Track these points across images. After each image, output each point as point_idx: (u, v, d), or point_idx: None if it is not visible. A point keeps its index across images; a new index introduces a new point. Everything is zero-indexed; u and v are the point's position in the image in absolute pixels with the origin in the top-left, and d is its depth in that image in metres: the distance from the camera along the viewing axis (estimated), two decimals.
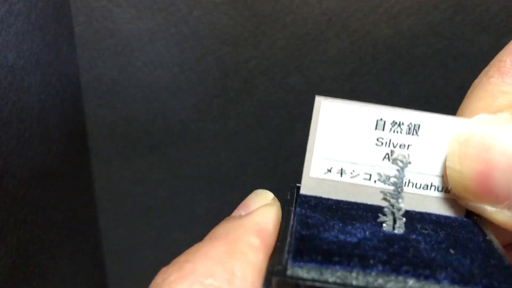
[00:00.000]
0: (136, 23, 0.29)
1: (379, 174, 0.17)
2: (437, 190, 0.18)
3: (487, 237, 0.16)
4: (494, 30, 0.29)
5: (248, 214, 0.15)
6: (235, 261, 0.13)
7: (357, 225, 0.16)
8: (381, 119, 0.17)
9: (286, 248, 0.14)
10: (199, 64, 0.30)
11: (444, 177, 0.17)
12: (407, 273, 0.13)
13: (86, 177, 0.32)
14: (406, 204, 0.18)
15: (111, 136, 0.32)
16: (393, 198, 0.16)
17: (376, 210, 0.17)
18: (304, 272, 0.13)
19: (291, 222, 0.16)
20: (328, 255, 0.14)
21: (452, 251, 0.15)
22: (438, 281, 0.13)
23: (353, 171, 0.18)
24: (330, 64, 0.30)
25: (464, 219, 0.18)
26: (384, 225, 0.16)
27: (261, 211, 0.16)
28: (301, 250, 0.14)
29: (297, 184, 0.18)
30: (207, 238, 0.15)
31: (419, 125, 0.17)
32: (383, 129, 0.17)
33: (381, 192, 0.17)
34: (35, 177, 0.25)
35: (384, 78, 0.30)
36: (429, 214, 0.18)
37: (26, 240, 0.24)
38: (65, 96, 0.29)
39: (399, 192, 0.16)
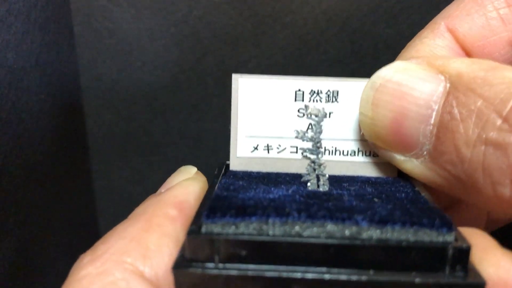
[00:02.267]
0: (136, 23, 0.29)
1: (296, 132, 0.16)
2: (365, 155, 0.18)
3: (416, 188, 0.16)
4: None
5: (167, 189, 0.15)
6: (150, 235, 0.13)
7: (282, 186, 0.16)
8: (300, 89, 0.17)
9: (203, 210, 0.13)
10: (199, 64, 0.30)
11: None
12: (324, 218, 0.13)
13: (86, 177, 0.32)
14: (336, 171, 0.18)
15: (111, 136, 0.32)
16: (312, 154, 0.16)
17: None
18: (218, 227, 0.13)
19: (214, 191, 0.15)
20: (243, 209, 0.13)
21: (376, 200, 0.15)
22: (356, 223, 0.13)
23: (279, 145, 0.18)
24: (330, 64, 0.30)
25: (396, 178, 0.18)
26: (308, 184, 0.16)
27: (181, 185, 0.15)
28: (215, 207, 0.13)
29: (227, 162, 0.18)
30: (127, 218, 0.14)
31: (337, 92, 0.17)
32: (303, 100, 0.17)
33: (300, 149, 0.16)
34: (35, 177, 0.25)
35: None
36: (360, 176, 0.18)
37: (26, 240, 0.24)
38: (64, 96, 0.29)
39: (318, 148, 0.16)
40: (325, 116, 0.17)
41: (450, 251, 0.12)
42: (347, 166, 0.18)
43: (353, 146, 0.17)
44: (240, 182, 0.16)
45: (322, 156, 0.16)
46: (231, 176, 0.17)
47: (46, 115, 0.26)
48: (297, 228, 0.13)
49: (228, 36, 0.29)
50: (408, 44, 0.18)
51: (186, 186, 0.15)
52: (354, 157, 0.18)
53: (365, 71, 0.30)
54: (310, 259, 0.12)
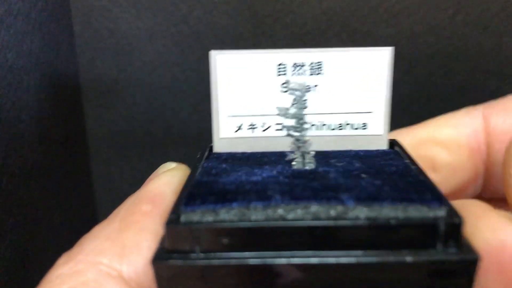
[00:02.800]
0: (136, 23, 0.29)
1: (278, 108, 0.15)
2: (353, 128, 0.17)
3: (406, 161, 0.15)
4: (494, 30, 0.29)
5: (142, 186, 0.15)
6: (126, 233, 0.13)
7: (266, 167, 0.15)
8: (282, 63, 0.16)
9: (183, 198, 0.13)
10: (199, 64, 0.30)
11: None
12: (308, 199, 0.12)
13: (86, 177, 0.32)
14: (324, 146, 0.17)
15: (111, 136, 0.32)
16: (296, 131, 0.15)
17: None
18: (198, 215, 0.12)
19: (196, 176, 0.14)
20: (224, 195, 0.12)
21: (363, 176, 0.14)
22: (342, 202, 0.12)
23: (264, 123, 0.17)
24: None
25: (386, 150, 0.17)
26: (294, 163, 0.15)
27: (156, 179, 0.15)
28: (195, 194, 0.13)
29: (210, 145, 0.17)
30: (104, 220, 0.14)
31: (321, 63, 0.16)
32: (286, 74, 0.16)
33: (284, 127, 0.15)
34: (35, 177, 0.25)
35: None
36: (348, 151, 0.17)
37: (26, 240, 0.24)
38: (64, 96, 0.29)
39: (301, 124, 0.15)
40: (308, 90, 0.16)
41: (442, 227, 0.11)
42: (335, 140, 0.17)
43: (341, 119, 0.17)
44: (223, 165, 0.15)
45: (306, 133, 0.15)
46: (214, 159, 0.16)
47: (46, 115, 0.26)
48: (280, 211, 0.12)
49: (228, 36, 0.29)
50: (444, 115, 0.19)
51: (160, 179, 0.15)
52: (342, 130, 0.17)
53: None
54: (296, 243, 0.12)
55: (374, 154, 0.16)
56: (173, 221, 0.12)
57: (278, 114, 0.15)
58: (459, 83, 0.30)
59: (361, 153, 0.17)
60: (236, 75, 0.16)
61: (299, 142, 0.15)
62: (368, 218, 0.12)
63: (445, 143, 0.18)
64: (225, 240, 0.12)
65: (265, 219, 0.12)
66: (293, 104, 0.15)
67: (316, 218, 0.12)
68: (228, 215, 0.12)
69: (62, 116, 0.28)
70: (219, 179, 0.14)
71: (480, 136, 0.18)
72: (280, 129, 0.17)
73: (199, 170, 0.15)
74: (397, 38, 0.29)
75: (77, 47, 0.30)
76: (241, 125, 0.17)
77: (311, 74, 0.16)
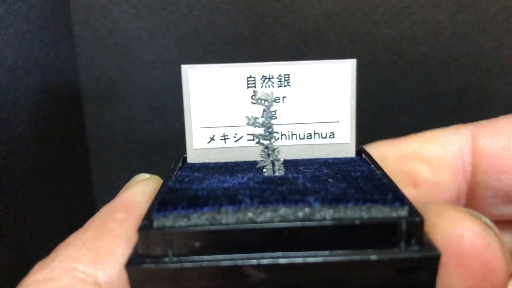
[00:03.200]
0: (135, 23, 0.29)
1: (247, 118, 0.16)
2: (321, 137, 0.18)
3: (371, 166, 0.16)
4: (494, 30, 0.29)
5: (116, 196, 0.15)
6: (101, 240, 0.13)
7: (238, 175, 0.16)
8: (251, 76, 0.17)
9: (155, 204, 0.13)
10: (199, 64, 0.30)
11: None
12: (277, 202, 0.12)
13: (86, 177, 0.32)
14: (294, 155, 0.17)
15: (111, 136, 0.32)
16: (265, 139, 0.16)
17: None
18: (170, 220, 0.12)
19: (168, 184, 0.15)
20: (195, 201, 0.13)
21: (330, 180, 0.14)
22: (309, 204, 0.12)
23: (236, 134, 0.17)
24: None
25: (354, 158, 0.18)
26: (264, 170, 0.16)
27: (130, 189, 0.15)
28: (167, 201, 0.13)
29: (184, 155, 0.18)
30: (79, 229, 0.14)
31: (288, 75, 0.17)
32: (255, 86, 0.17)
33: (252, 135, 0.16)
34: (34, 177, 0.25)
35: (384, 78, 0.30)
36: (317, 158, 0.18)
37: (26, 240, 0.24)
38: (64, 96, 0.29)
39: (270, 133, 0.15)
40: (275, 100, 0.17)
41: (404, 226, 0.12)
42: (304, 149, 0.18)
43: (309, 129, 0.17)
44: (196, 174, 0.16)
45: (275, 141, 0.16)
46: (188, 169, 0.17)
47: (46, 115, 0.26)
48: (250, 214, 0.12)
49: (228, 36, 0.29)
50: (433, 130, 0.19)
51: (133, 188, 0.15)
52: (310, 139, 0.18)
53: (365, 71, 0.30)
54: (265, 245, 0.12)
55: (341, 161, 0.17)
56: (146, 227, 0.12)
57: (247, 124, 0.16)
58: (459, 83, 0.30)
59: (330, 160, 0.17)
60: (208, 88, 0.17)
61: (269, 150, 0.16)
62: (333, 219, 0.12)
63: (429, 160, 0.18)
64: (197, 244, 0.12)
65: (235, 222, 0.12)
66: (262, 114, 0.16)
67: (285, 220, 0.12)
68: (200, 219, 0.12)
69: (62, 116, 0.28)
70: (192, 186, 0.14)
71: (467, 156, 0.18)
72: (252, 139, 0.17)
73: (173, 178, 0.15)
74: (397, 38, 0.29)
75: (77, 47, 0.30)
76: (214, 136, 0.17)
77: (280, 86, 0.17)
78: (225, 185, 0.14)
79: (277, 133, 0.17)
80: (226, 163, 0.17)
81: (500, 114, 0.29)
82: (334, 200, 0.13)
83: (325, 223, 0.12)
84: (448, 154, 0.18)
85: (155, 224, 0.12)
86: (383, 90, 0.30)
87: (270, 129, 0.15)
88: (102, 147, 0.32)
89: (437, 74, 0.30)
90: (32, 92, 0.24)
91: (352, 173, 0.15)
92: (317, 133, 0.17)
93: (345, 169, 0.16)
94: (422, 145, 0.18)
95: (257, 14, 0.28)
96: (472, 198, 0.18)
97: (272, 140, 0.16)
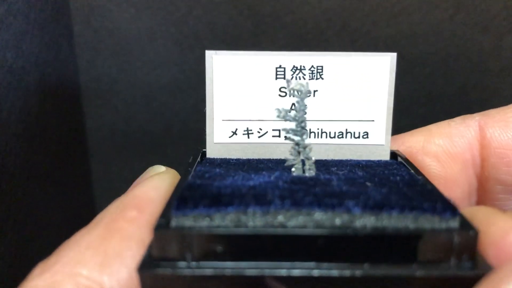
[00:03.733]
0: (135, 23, 0.29)
1: (278, 110, 0.14)
2: (354, 136, 0.16)
3: (411, 171, 0.15)
4: (494, 30, 0.29)
5: (128, 190, 0.14)
6: (108, 241, 0.12)
7: (264, 173, 0.14)
8: (281, 66, 0.16)
9: (173, 201, 0.12)
10: (199, 64, 0.30)
11: None
12: (311, 205, 0.11)
13: (85, 177, 0.32)
14: (322, 155, 0.16)
15: (110, 136, 0.32)
16: (296, 135, 0.14)
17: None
18: (190, 220, 0.11)
19: (188, 179, 0.14)
20: (219, 199, 0.11)
21: (368, 184, 0.13)
22: (348, 209, 0.11)
23: (260, 129, 0.16)
24: None
25: (389, 161, 0.16)
26: (293, 169, 0.14)
27: (143, 183, 0.14)
28: (187, 198, 0.12)
29: (203, 149, 0.16)
30: (87, 225, 0.13)
31: (322, 67, 0.16)
32: (284, 77, 0.16)
33: (283, 130, 0.14)
34: (34, 177, 0.25)
35: None
36: (348, 160, 0.16)
37: (26, 240, 0.24)
38: (64, 96, 0.29)
39: (302, 128, 0.14)
40: (309, 92, 0.15)
41: (456, 239, 0.10)
42: (334, 149, 0.16)
43: (341, 127, 0.16)
44: (217, 170, 0.14)
45: (307, 138, 0.14)
46: (207, 164, 0.15)
47: (46, 115, 0.26)
48: (280, 217, 0.11)
49: (228, 36, 0.29)
50: (438, 123, 0.18)
51: (147, 183, 0.14)
52: (341, 139, 0.16)
53: None
54: (297, 253, 0.11)
55: (376, 164, 0.16)
56: (162, 226, 0.11)
57: (277, 116, 0.14)
58: (459, 83, 0.30)
59: (363, 162, 0.16)
60: (233, 77, 0.16)
61: (299, 147, 0.14)
62: (375, 228, 0.11)
63: (436, 154, 0.17)
64: (219, 248, 0.11)
65: (263, 226, 0.11)
66: (293, 106, 0.15)
67: (320, 226, 0.11)
68: (223, 220, 0.11)
69: (62, 116, 0.28)
70: (213, 182, 0.13)
71: (475, 149, 0.17)
72: (278, 135, 0.16)
73: (191, 173, 0.14)
74: (397, 38, 0.29)
75: (77, 47, 0.30)
76: (236, 130, 0.16)
77: (311, 78, 0.16)
78: (251, 183, 0.13)
79: (307, 130, 0.16)
80: (248, 160, 0.16)
81: None
82: (376, 207, 0.11)
83: (366, 232, 0.11)
84: (456, 147, 0.17)
85: (173, 223, 0.11)
86: None
87: (303, 124, 0.14)
88: (102, 147, 0.32)
89: (437, 74, 0.30)
90: (32, 92, 0.24)
91: (391, 177, 0.14)
92: (350, 132, 0.16)
93: (382, 172, 0.15)
94: (427, 139, 0.17)
95: (257, 14, 0.28)
96: (482, 193, 0.17)
97: (304, 136, 0.14)
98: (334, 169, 0.15)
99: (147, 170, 0.15)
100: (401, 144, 0.17)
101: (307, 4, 0.28)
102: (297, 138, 0.14)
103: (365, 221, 0.11)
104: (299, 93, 0.14)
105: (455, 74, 0.30)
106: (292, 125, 0.14)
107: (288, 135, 0.14)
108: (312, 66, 0.16)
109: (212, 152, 0.16)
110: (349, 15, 0.28)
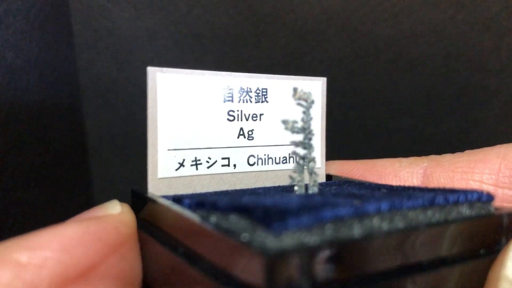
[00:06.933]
0: (135, 22, 0.29)
1: (283, 121, 0.13)
2: (295, 161, 0.15)
3: (373, 183, 0.15)
4: (495, 29, 0.29)
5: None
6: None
7: (273, 195, 0.13)
8: (228, 87, 0.14)
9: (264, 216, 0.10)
10: (199, 64, 0.30)
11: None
12: (393, 204, 0.11)
13: (85, 177, 0.32)
14: (270, 183, 0.15)
15: (110, 136, 0.32)
16: (305, 148, 0.13)
17: (255, 193, 0.13)
18: (297, 236, 0.09)
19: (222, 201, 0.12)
20: (298, 211, 0.10)
21: (384, 190, 0.13)
22: (415, 207, 0.11)
23: (210, 158, 0.14)
24: (330, 63, 0.30)
25: (337, 181, 0.16)
26: (296, 188, 0.13)
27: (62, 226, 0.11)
28: (285, 211, 0.10)
29: (132, 188, 0.14)
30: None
31: (266, 90, 0.15)
32: (232, 100, 0.14)
33: (291, 142, 0.13)
34: (34, 177, 0.25)
35: (384, 78, 0.30)
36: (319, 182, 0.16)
37: None
38: (63, 96, 0.28)
39: (309, 139, 0.13)
40: (313, 102, 0.14)
41: (505, 220, 0.11)
42: (279, 175, 0.15)
43: (285, 152, 0.15)
44: (213, 197, 0.12)
45: (313, 151, 0.13)
46: (176, 201, 0.12)
47: (46, 115, 0.26)
48: (375, 220, 0.10)
49: (228, 36, 0.29)
50: (387, 159, 0.17)
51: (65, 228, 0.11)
52: (285, 164, 0.15)
53: (365, 71, 0.30)
54: (397, 254, 0.10)
55: (328, 184, 0.15)
56: (273, 250, 0.08)
57: (285, 128, 0.13)
58: (459, 83, 0.30)
59: (324, 184, 0.15)
60: (179, 99, 0.14)
61: (305, 162, 0.13)
62: (450, 219, 0.11)
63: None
64: (340, 266, 0.08)
65: (367, 232, 0.10)
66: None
67: (415, 223, 0.11)
68: (323, 232, 0.09)
69: (61, 116, 0.28)
70: (262, 199, 0.11)
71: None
72: (227, 165, 0.14)
73: (189, 204, 0.12)
74: (397, 38, 0.29)
75: (76, 47, 0.29)
76: (184, 161, 0.14)
77: (257, 101, 0.15)
78: (288, 199, 0.11)
79: (254, 156, 0.15)
80: (216, 192, 0.14)
81: (500, 114, 0.30)
82: (433, 202, 0.11)
83: (459, 220, 0.11)
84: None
85: (287, 240, 0.09)
86: (383, 90, 0.30)
87: (309, 135, 0.13)
88: (101, 147, 0.32)
89: (437, 74, 0.30)
90: (31, 91, 0.24)
91: (381, 189, 0.14)
92: (292, 156, 0.15)
93: (369, 186, 0.14)
94: (369, 169, 0.17)
95: (257, 14, 0.28)
96: None
97: (310, 149, 0.13)
98: (328, 188, 0.14)
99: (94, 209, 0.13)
100: (338, 169, 0.17)
101: (307, 4, 0.28)
102: (303, 152, 0.13)
103: (439, 215, 0.11)
104: (306, 102, 0.13)
105: (455, 74, 0.30)
106: (300, 137, 0.13)
107: (296, 148, 0.13)
108: (258, 89, 0.15)
109: (155, 188, 0.13)
110: (350, 14, 0.28)
